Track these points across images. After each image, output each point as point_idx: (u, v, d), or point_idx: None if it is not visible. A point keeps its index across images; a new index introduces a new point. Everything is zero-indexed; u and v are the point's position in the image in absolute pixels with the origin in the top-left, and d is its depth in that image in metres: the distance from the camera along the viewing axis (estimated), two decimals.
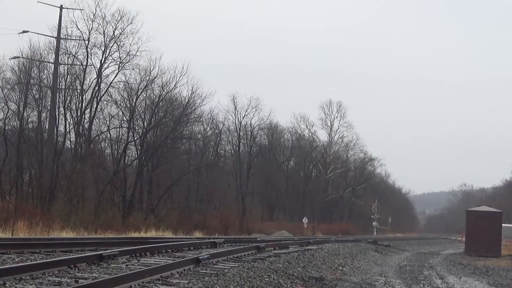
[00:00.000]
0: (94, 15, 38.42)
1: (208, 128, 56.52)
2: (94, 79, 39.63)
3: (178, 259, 12.17)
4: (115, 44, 39.31)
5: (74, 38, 39.44)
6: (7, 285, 7.93)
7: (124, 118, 42.41)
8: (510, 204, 76.84)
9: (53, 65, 39.32)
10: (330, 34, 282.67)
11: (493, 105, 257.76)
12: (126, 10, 39.26)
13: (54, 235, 22.89)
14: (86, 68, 39.20)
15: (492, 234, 31.75)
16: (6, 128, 36.81)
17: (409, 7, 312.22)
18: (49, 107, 38.81)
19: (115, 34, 39.04)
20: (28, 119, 38.41)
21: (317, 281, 12.56)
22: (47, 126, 38.92)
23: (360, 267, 18.04)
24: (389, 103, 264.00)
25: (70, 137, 40.33)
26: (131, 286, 8.53)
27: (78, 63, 39.72)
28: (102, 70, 39.44)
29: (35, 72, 39.37)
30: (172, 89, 43.54)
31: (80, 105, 39.02)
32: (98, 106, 39.90)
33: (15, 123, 37.67)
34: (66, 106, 39.02)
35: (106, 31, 38.90)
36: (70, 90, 39.59)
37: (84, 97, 39.17)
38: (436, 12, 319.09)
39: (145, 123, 42.90)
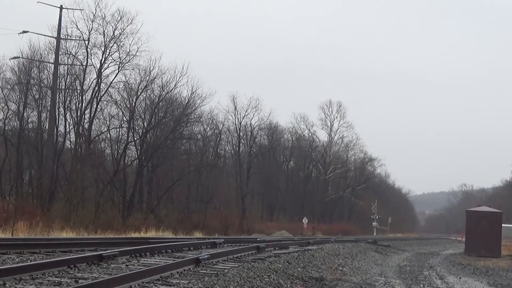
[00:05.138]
0: (94, 15, 38.41)
1: (208, 128, 56.54)
2: (94, 79, 39.64)
3: (178, 259, 12.17)
4: (115, 44, 39.31)
5: (74, 38, 39.44)
6: (7, 285, 7.93)
7: (124, 118, 42.46)
8: (510, 204, 76.80)
9: (53, 65, 39.32)
10: (330, 34, 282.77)
11: (493, 105, 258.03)
12: (126, 10, 39.22)
13: (54, 235, 22.89)
14: (86, 68, 39.20)
15: (492, 234, 31.70)
16: (6, 128, 36.82)
17: (408, 8, 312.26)
18: (49, 107, 38.79)
19: (115, 34, 39.03)
20: (28, 119, 38.45)
21: (317, 281, 12.55)
22: (47, 126, 38.90)
23: (360, 267, 18.04)
24: (389, 103, 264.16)
25: (70, 137, 40.38)
26: (131, 286, 8.53)
27: (78, 63, 39.74)
28: (102, 70, 39.43)
29: (35, 72, 39.39)
30: (172, 89, 43.60)
31: (80, 105, 39.02)
32: (98, 106, 39.89)
33: (15, 123, 37.71)
34: (66, 106, 39.04)
35: (106, 31, 38.89)
36: (70, 90, 39.59)
37: (84, 97, 39.18)
38: (435, 12, 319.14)
39: (145, 123, 42.91)
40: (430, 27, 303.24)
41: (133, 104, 41.92)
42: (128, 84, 41.55)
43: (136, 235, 28.83)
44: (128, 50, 39.40)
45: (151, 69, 41.33)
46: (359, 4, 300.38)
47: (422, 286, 14.25)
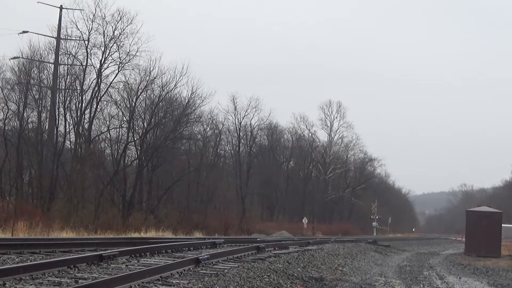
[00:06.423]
0: (94, 15, 38.48)
1: (208, 129, 56.56)
2: (94, 79, 39.69)
3: (178, 259, 12.16)
4: (115, 44, 39.37)
5: (74, 38, 39.51)
6: (7, 285, 7.92)
7: (124, 118, 42.45)
8: (510, 205, 76.79)
9: (53, 65, 39.36)
10: (330, 35, 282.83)
11: (493, 105, 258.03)
12: (125, 10, 39.34)
13: (54, 235, 22.89)
14: (86, 68, 39.24)
15: (492, 234, 31.73)
16: (6, 128, 36.80)
17: (409, 10, 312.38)
18: (49, 107, 38.82)
19: (115, 34, 39.09)
20: (28, 119, 38.43)
21: (317, 281, 12.55)
22: (47, 126, 38.92)
23: (360, 267, 18.04)
24: (389, 103, 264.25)
25: (70, 138, 40.39)
26: (131, 286, 8.52)
27: (78, 64, 39.79)
28: (102, 70, 39.48)
29: (35, 72, 39.41)
30: (172, 89, 43.58)
31: (80, 106, 39.05)
32: (98, 106, 39.95)
33: (15, 123, 37.70)
34: (66, 106, 39.04)
35: (106, 31, 38.95)
36: (70, 91, 39.61)
37: (84, 97, 39.23)
38: (435, 13, 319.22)
39: (145, 123, 42.91)
40: (431, 28, 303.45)
41: (133, 104, 41.93)
42: (128, 84, 41.61)
43: (136, 235, 28.82)
44: (128, 50, 39.50)
45: (151, 69, 41.38)
46: (360, 6, 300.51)
47: (422, 286, 14.25)
